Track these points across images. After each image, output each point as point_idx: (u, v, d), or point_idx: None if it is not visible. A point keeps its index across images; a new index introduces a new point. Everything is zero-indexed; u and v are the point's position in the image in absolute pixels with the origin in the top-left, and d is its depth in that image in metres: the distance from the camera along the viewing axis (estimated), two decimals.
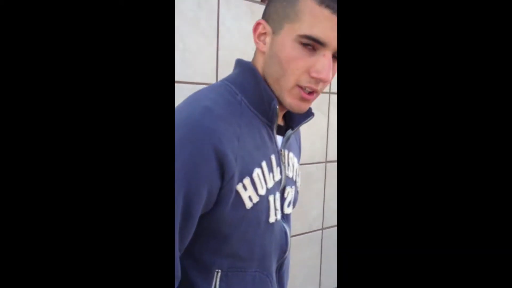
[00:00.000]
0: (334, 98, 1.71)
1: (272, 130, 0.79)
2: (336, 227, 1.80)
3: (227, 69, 1.35)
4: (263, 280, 0.81)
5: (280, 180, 0.80)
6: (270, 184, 0.77)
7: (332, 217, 1.79)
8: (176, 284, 0.70)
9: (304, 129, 1.59)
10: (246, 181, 0.73)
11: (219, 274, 0.76)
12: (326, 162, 1.72)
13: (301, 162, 1.55)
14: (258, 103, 0.76)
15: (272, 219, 0.78)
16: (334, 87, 1.70)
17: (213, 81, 1.32)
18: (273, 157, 0.78)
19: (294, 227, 1.61)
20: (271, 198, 0.77)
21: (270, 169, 0.77)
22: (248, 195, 0.73)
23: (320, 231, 1.75)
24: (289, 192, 0.83)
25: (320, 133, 1.69)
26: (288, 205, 0.84)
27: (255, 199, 0.74)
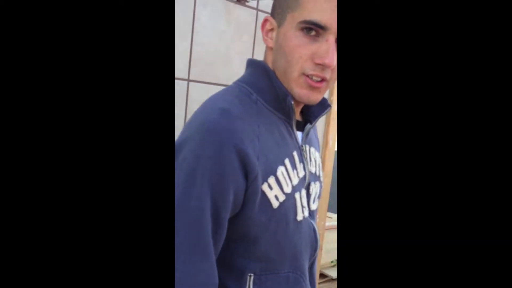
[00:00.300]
0: None
1: (291, 126, 0.78)
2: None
3: (199, 65, 1.35)
4: (297, 280, 0.79)
5: (304, 176, 0.79)
6: (295, 181, 0.75)
7: None
8: None
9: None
10: (271, 180, 0.71)
11: (252, 278, 0.74)
12: None
13: None
14: (273, 100, 0.76)
15: (300, 217, 0.77)
16: None
17: (185, 76, 1.32)
18: (295, 154, 0.77)
19: None
20: (297, 195, 0.76)
21: (294, 166, 0.76)
22: (274, 194, 0.72)
23: None
24: (314, 188, 0.82)
25: None
26: (314, 201, 0.83)
27: (282, 197, 0.72)
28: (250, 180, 0.68)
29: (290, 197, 0.74)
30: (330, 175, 1.98)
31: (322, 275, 2.51)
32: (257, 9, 1.47)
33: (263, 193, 0.70)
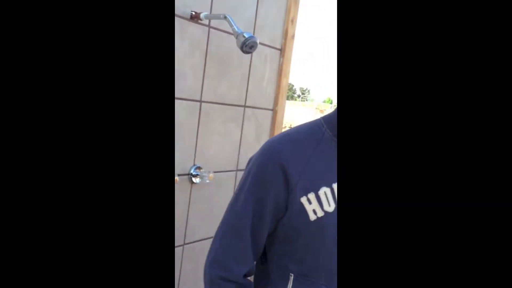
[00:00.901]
0: (248, 111, 1.83)
1: None
2: None
3: None
4: None
5: None
6: None
7: None
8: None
9: (220, 139, 1.71)
10: (311, 195, 0.82)
11: (292, 277, 0.85)
12: (237, 170, 1.85)
13: (215, 170, 1.70)
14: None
15: None
16: (250, 101, 1.81)
17: None
18: None
19: (201, 232, 1.72)
20: None
21: None
22: (312, 208, 0.82)
23: None
24: None
25: (233, 144, 1.80)
26: None
27: (320, 213, 0.82)
28: (288, 191, 0.82)
29: (331, 216, 0.82)
30: None
31: None
32: (209, 26, 1.54)
33: (302, 204, 0.82)
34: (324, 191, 0.83)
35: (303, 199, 0.82)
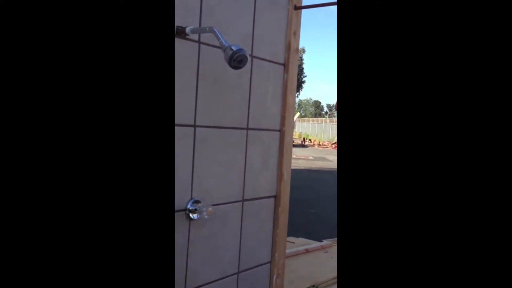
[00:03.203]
0: (252, 134, 1.65)
1: None
2: (252, 270, 1.72)
3: None
4: None
5: None
6: None
7: (248, 260, 1.70)
8: None
9: (221, 168, 1.52)
10: None
11: None
12: (243, 201, 1.65)
13: (216, 202, 1.49)
14: None
15: None
16: (253, 123, 1.64)
17: None
18: None
19: (204, 275, 1.53)
20: None
21: None
22: None
23: (236, 275, 1.66)
24: None
25: (237, 172, 1.61)
26: None
27: None
28: None
29: None
30: (287, 207, 1.84)
31: None
32: (199, 42, 1.38)
33: None
34: None
35: None
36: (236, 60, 1.18)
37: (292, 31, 1.74)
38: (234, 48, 1.18)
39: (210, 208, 1.41)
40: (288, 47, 1.75)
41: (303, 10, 1.78)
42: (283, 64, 1.75)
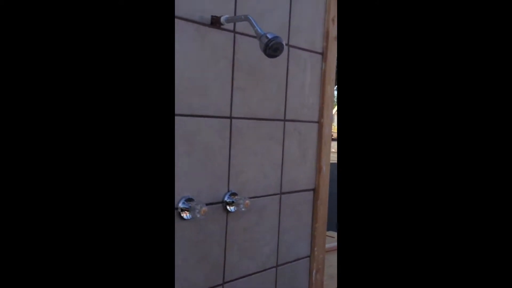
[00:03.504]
0: (289, 125, 1.61)
1: None
2: (291, 264, 1.69)
3: None
4: None
5: None
6: None
7: (286, 254, 1.67)
8: None
9: (258, 160, 1.49)
10: None
11: None
12: (281, 194, 1.63)
13: (253, 195, 1.47)
14: None
15: None
16: (290, 114, 1.60)
17: None
18: None
19: (243, 267, 1.52)
20: None
21: None
22: None
23: (274, 269, 1.64)
24: None
25: (274, 164, 1.58)
26: None
27: None
28: None
29: None
30: (326, 201, 1.82)
31: None
32: (234, 31, 1.35)
33: None
34: None
35: None
36: (272, 48, 1.14)
37: (330, 18, 1.68)
38: (269, 36, 1.15)
39: (247, 201, 1.38)
40: (326, 35, 1.69)
41: None
42: (321, 53, 1.70)
